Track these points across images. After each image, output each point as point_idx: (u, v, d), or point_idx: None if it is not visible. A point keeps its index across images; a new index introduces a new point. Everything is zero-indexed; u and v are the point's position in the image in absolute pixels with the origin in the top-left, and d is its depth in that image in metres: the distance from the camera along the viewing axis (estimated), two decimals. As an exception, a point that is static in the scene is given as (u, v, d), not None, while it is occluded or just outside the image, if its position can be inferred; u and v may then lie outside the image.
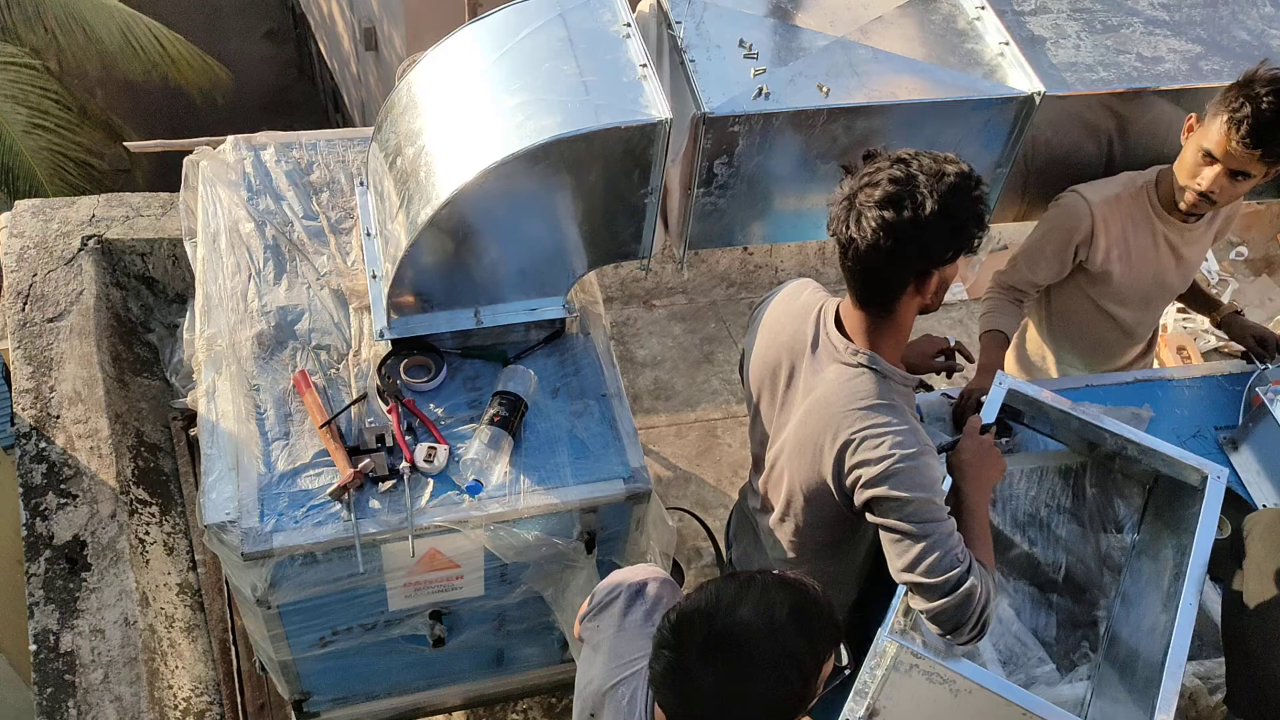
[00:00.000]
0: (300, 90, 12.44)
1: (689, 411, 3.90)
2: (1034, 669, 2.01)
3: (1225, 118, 2.17)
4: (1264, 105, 2.12)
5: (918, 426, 1.81)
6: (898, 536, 1.75)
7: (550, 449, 2.26)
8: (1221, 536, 2.26)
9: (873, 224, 1.67)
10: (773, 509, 2.09)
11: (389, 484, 2.12)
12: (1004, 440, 2.39)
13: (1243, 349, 2.70)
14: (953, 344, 2.32)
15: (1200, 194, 2.29)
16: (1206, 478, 2.07)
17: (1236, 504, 2.33)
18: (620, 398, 2.37)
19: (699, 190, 2.30)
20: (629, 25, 2.27)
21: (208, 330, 2.35)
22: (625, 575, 1.81)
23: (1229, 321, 2.72)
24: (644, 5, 2.43)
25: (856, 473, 1.78)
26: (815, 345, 1.90)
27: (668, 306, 4.26)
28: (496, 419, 2.20)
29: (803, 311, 1.96)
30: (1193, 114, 2.31)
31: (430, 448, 2.17)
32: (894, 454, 1.73)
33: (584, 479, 2.22)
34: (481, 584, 2.32)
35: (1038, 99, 2.29)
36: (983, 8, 2.44)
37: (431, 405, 2.28)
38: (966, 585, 1.70)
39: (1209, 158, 2.24)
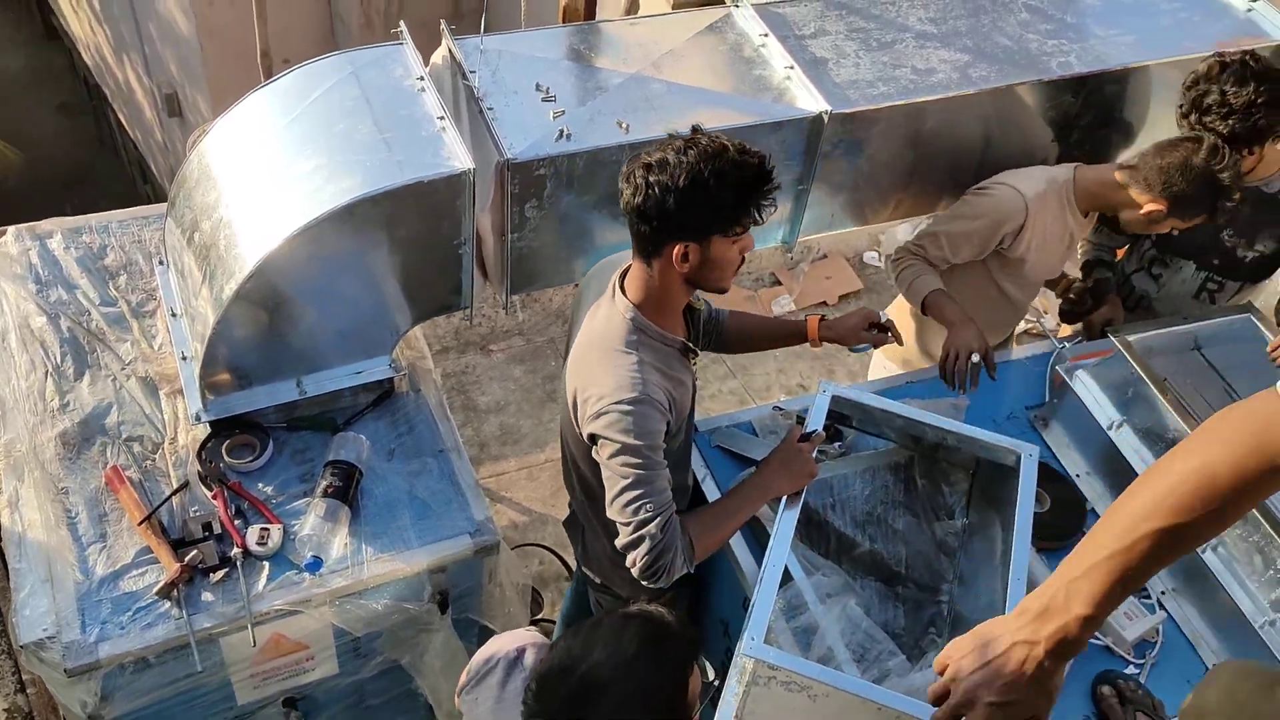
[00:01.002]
0: (103, 164, 11.84)
1: (538, 453, 3.88)
2: (886, 662, 2.08)
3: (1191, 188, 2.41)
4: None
5: (651, 380, 1.89)
6: (609, 474, 1.91)
7: (391, 513, 2.21)
8: (1041, 510, 2.41)
9: (638, 178, 1.81)
10: (570, 470, 2.17)
11: (221, 573, 2.03)
12: (836, 445, 2.48)
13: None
14: (884, 319, 2.41)
15: (1138, 227, 2.58)
16: (1020, 457, 2.20)
17: (1052, 477, 2.48)
18: (458, 451, 2.34)
19: (513, 235, 2.30)
20: (423, 79, 2.26)
21: (4, 436, 2.20)
22: (501, 644, 1.80)
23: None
24: (437, 58, 2.42)
25: (585, 406, 1.90)
26: (603, 292, 2.01)
27: (505, 350, 4.25)
28: (330, 490, 2.13)
29: (611, 267, 2.07)
30: (1159, 207, 2.48)
31: (263, 529, 2.09)
32: (610, 397, 1.86)
33: (429, 539, 2.18)
34: (335, 662, 2.24)
35: (825, 117, 2.41)
36: (766, 35, 2.55)
37: (260, 485, 2.20)
38: (647, 530, 1.88)
39: (1158, 218, 2.48)
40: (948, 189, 2.86)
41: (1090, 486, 2.51)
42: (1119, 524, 1.23)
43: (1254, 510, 2.13)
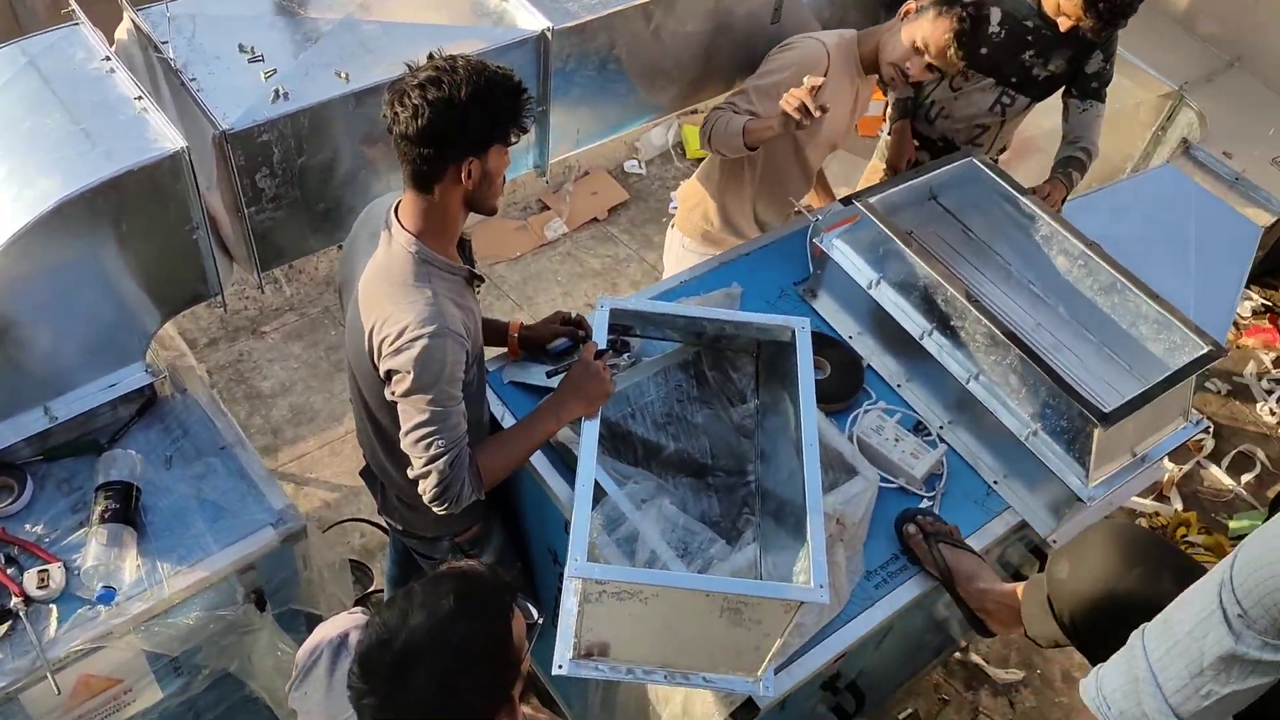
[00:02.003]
0: None
1: (337, 426, 3.76)
2: (708, 550, 2.16)
3: (951, 28, 2.58)
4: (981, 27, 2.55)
5: (448, 312, 1.89)
6: (404, 408, 1.91)
7: (182, 522, 2.09)
8: (824, 375, 2.55)
9: (414, 101, 1.75)
10: (360, 415, 2.14)
11: (3, 627, 1.87)
12: (625, 356, 2.52)
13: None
14: (574, 316, 2.49)
15: (905, 77, 2.69)
16: (794, 331, 2.30)
17: (829, 343, 2.62)
18: (242, 444, 2.23)
19: (250, 210, 2.18)
20: (109, 59, 2.07)
21: None
22: (324, 632, 1.75)
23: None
24: (121, 33, 2.22)
25: (382, 345, 1.87)
26: (377, 236, 1.96)
27: (279, 329, 4.05)
28: (108, 514, 1.99)
29: (380, 209, 2.02)
30: (911, 3, 2.66)
31: (41, 572, 1.93)
32: (410, 331, 1.84)
33: (229, 540, 2.08)
34: (156, 688, 2.13)
35: (549, 34, 2.38)
36: (473, -42, 2.48)
37: (28, 525, 2.03)
38: (436, 465, 1.91)
39: (916, 50, 2.63)
40: (690, 86, 2.90)
41: (863, 344, 2.66)
42: None
43: (1000, 333, 2.33)
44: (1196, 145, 3.76)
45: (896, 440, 2.43)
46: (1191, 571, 1.61)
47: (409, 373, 1.85)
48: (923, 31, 2.65)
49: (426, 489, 1.95)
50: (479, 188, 1.88)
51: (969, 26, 2.61)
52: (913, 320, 2.52)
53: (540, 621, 1.68)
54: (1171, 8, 4.41)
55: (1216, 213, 3.50)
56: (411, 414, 1.90)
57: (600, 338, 2.23)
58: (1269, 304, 4.85)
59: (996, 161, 3.38)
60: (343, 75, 2.16)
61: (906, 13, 2.71)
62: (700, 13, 2.72)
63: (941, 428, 2.52)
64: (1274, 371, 4.58)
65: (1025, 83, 3.09)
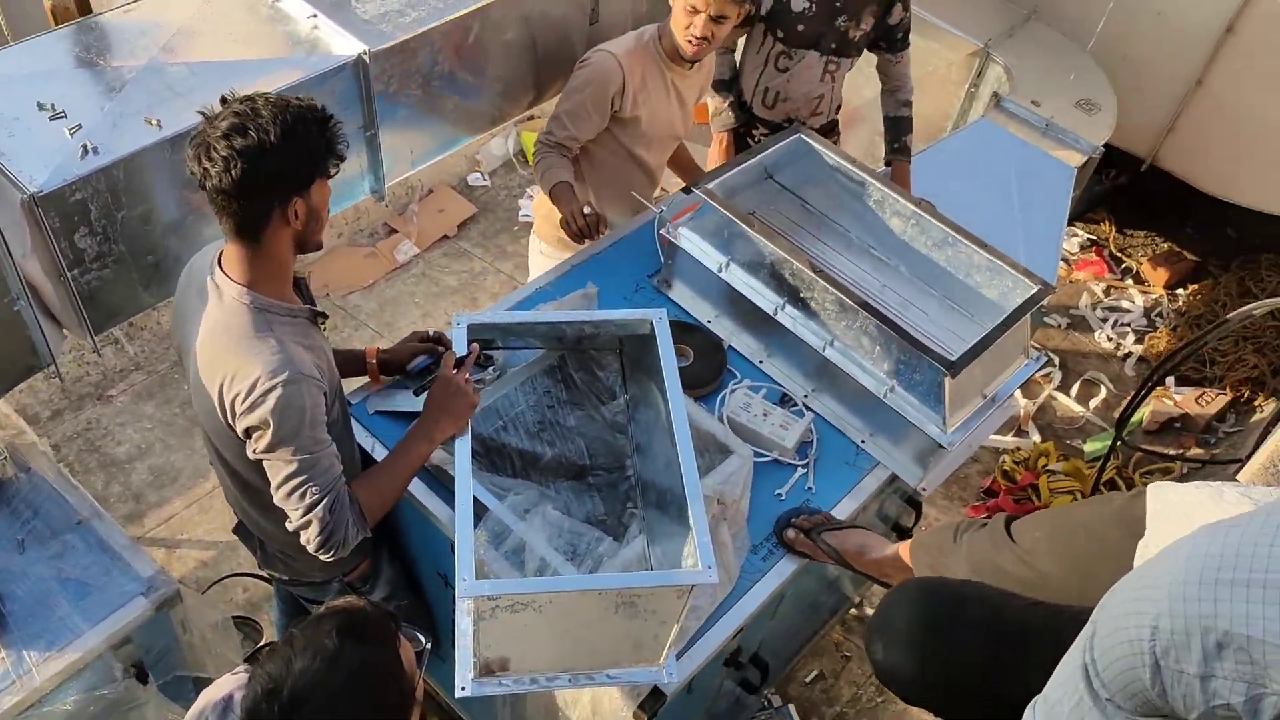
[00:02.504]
0: None
1: (203, 483, 3.62)
2: (596, 550, 2.18)
3: None
4: None
5: (297, 357, 1.84)
6: (271, 463, 1.86)
7: (44, 606, 1.99)
8: (687, 362, 2.59)
9: (222, 153, 1.68)
10: (224, 476, 2.09)
11: None
12: (489, 370, 2.51)
13: None
14: (432, 334, 2.46)
15: (694, 40, 2.70)
16: (652, 323, 2.34)
17: (689, 330, 2.67)
18: (99, 515, 2.13)
19: (73, 273, 2.08)
20: (-106, 131, 1.95)
21: None
22: (208, 696, 1.69)
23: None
24: (-96, 103, 2.10)
25: (235, 403, 1.82)
26: (205, 292, 1.89)
27: (127, 390, 3.87)
28: (-40, 611, 1.88)
29: (203, 264, 1.94)
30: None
31: (-108, 684, 1.81)
32: (261, 384, 1.79)
33: (99, 615, 1.99)
34: (41, 783, 2.02)
35: (367, 57, 2.35)
36: (277, -12, 2.43)
37: None
38: (314, 513, 1.87)
39: (693, 10, 2.66)
40: (520, 93, 2.91)
41: (721, 327, 2.72)
42: None
43: (847, 298, 2.42)
44: (1007, 97, 3.97)
45: (765, 415, 2.50)
46: (992, 609, 1.68)
47: (268, 426, 1.80)
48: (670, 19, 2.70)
49: (310, 539, 1.90)
50: (307, 226, 1.83)
51: None
52: (765, 297, 2.59)
53: (429, 647, 1.67)
54: (968, -31, 4.64)
55: (1032, 159, 3.71)
56: (280, 467, 1.85)
57: (460, 349, 2.22)
58: (1094, 238, 5.16)
59: (838, 122, 3.52)
60: (153, 122, 2.08)
61: None
62: (517, 20, 2.73)
63: (806, 396, 2.60)
64: (1106, 300, 4.89)
65: (844, 45, 3.22)
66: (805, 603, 2.85)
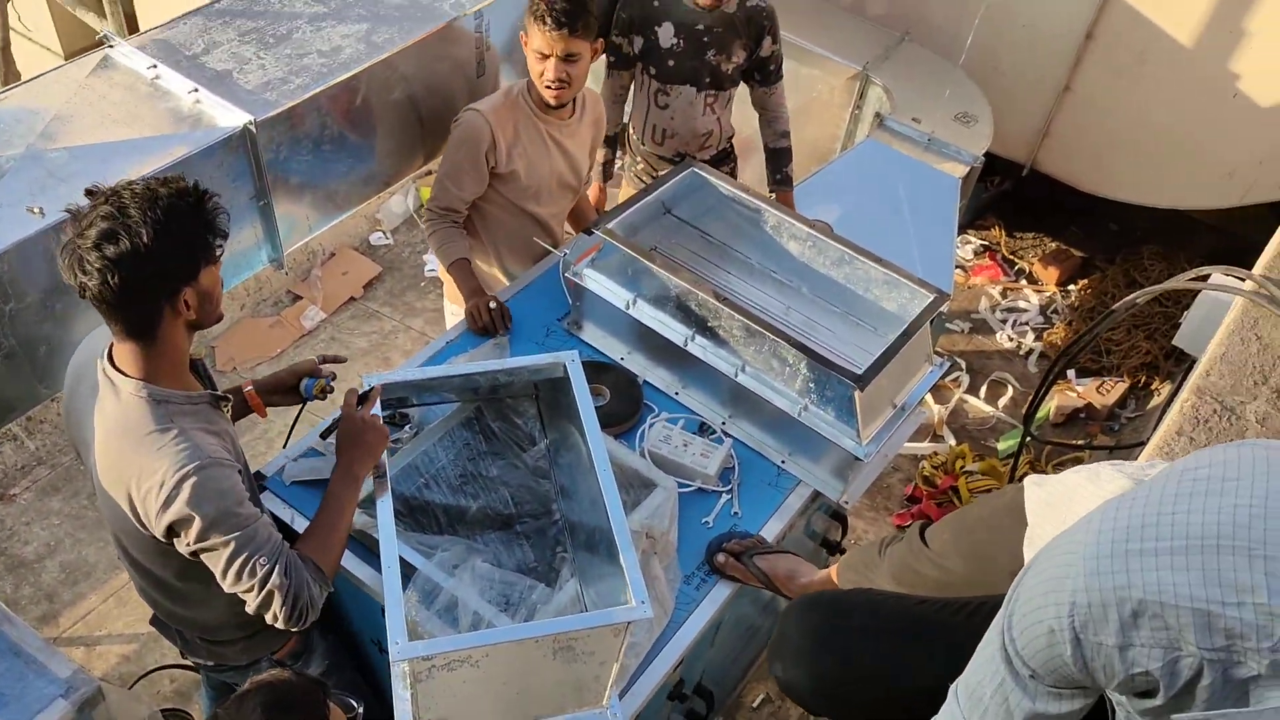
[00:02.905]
0: None
1: (119, 575, 3.49)
2: (530, 598, 2.17)
3: (534, 20, 2.63)
4: None
5: (203, 444, 1.79)
6: (209, 554, 1.81)
7: (-43, 723, 1.90)
8: (605, 401, 2.61)
9: (97, 265, 1.61)
10: (133, 573, 2.02)
11: None
12: (406, 428, 2.49)
13: None
14: (319, 360, 2.36)
15: (551, 85, 2.70)
16: (565, 365, 2.35)
17: (604, 369, 2.69)
18: (8, 620, 2.04)
19: (-34, 371, 2.02)
20: None
21: None
22: None
23: None
24: None
25: (146, 503, 1.76)
26: (98, 388, 1.82)
27: (30, 487, 3.73)
28: None
29: (89, 357, 1.87)
30: (521, 31, 2.72)
31: None
32: (171, 478, 1.73)
33: (16, 726, 1.90)
34: None
35: (253, 127, 2.33)
36: (155, 66, 2.40)
37: None
38: (271, 583, 1.81)
39: (542, 56, 2.67)
40: (414, 150, 2.92)
41: (635, 362, 2.75)
42: None
43: (754, 323, 2.47)
44: (889, 117, 4.11)
45: (685, 445, 2.52)
46: (878, 613, 1.76)
47: (193, 517, 1.74)
48: (531, 41, 2.73)
49: (276, 612, 1.84)
50: (201, 310, 1.78)
51: (555, 3, 2.62)
52: (674, 330, 2.63)
53: (360, 711, 1.65)
54: (841, -2, 4.82)
55: (918, 173, 3.84)
56: (219, 554, 1.79)
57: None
58: (986, 244, 5.35)
59: (732, 150, 3.61)
60: (36, 210, 2.04)
61: (524, 42, 2.77)
62: (402, 79, 2.74)
63: (724, 423, 2.63)
64: (1004, 302, 5.06)
65: (718, 79, 3.31)
66: (744, 627, 2.87)
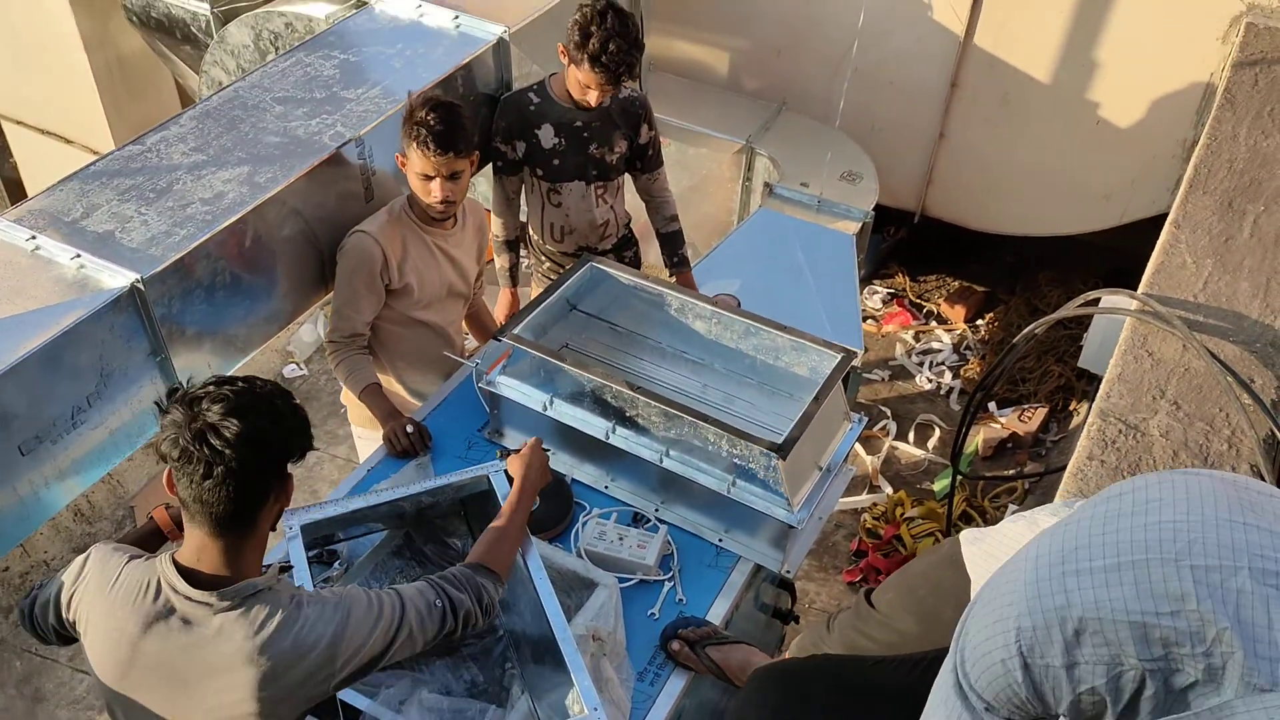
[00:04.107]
0: None
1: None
2: (484, 719, 2.12)
3: (415, 145, 2.68)
4: (431, 120, 2.64)
5: (301, 616, 1.70)
6: (381, 652, 1.77)
7: None
8: (536, 506, 2.58)
9: (233, 432, 1.57)
10: None
11: None
12: (335, 565, 2.44)
13: None
14: None
15: (440, 203, 2.77)
16: (489, 476, 2.33)
17: (528, 474, 2.67)
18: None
19: None
20: None
21: None
22: None
23: None
24: None
25: (289, 675, 1.67)
26: (169, 613, 1.66)
27: None
28: None
29: (136, 589, 1.69)
30: (399, 153, 2.78)
31: None
32: (317, 637, 1.69)
33: None
34: None
35: (141, 284, 2.31)
36: (34, 236, 2.37)
37: None
38: (462, 612, 1.88)
39: (426, 177, 2.73)
40: (313, 281, 2.92)
41: (561, 462, 2.73)
42: None
43: (670, 407, 2.48)
44: (778, 184, 4.24)
45: (621, 539, 2.51)
46: (836, 679, 1.79)
47: (347, 647, 1.71)
48: (413, 165, 2.76)
49: (473, 618, 1.90)
50: (289, 498, 1.75)
51: (434, 127, 2.66)
52: (594, 425, 2.63)
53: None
54: (718, 77, 4.98)
55: (814, 235, 3.95)
56: (395, 635, 1.78)
57: (298, 559, 2.15)
58: (893, 291, 5.49)
59: (632, 235, 3.66)
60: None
61: (402, 165, 2.82)
62: (291, 214, 2.74)
63: (657, 510, 2.63)
64: (918, 345, 5.18)
65: (605, 170, 3.39)
66: (707, 712, 2.82)
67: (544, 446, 2.34)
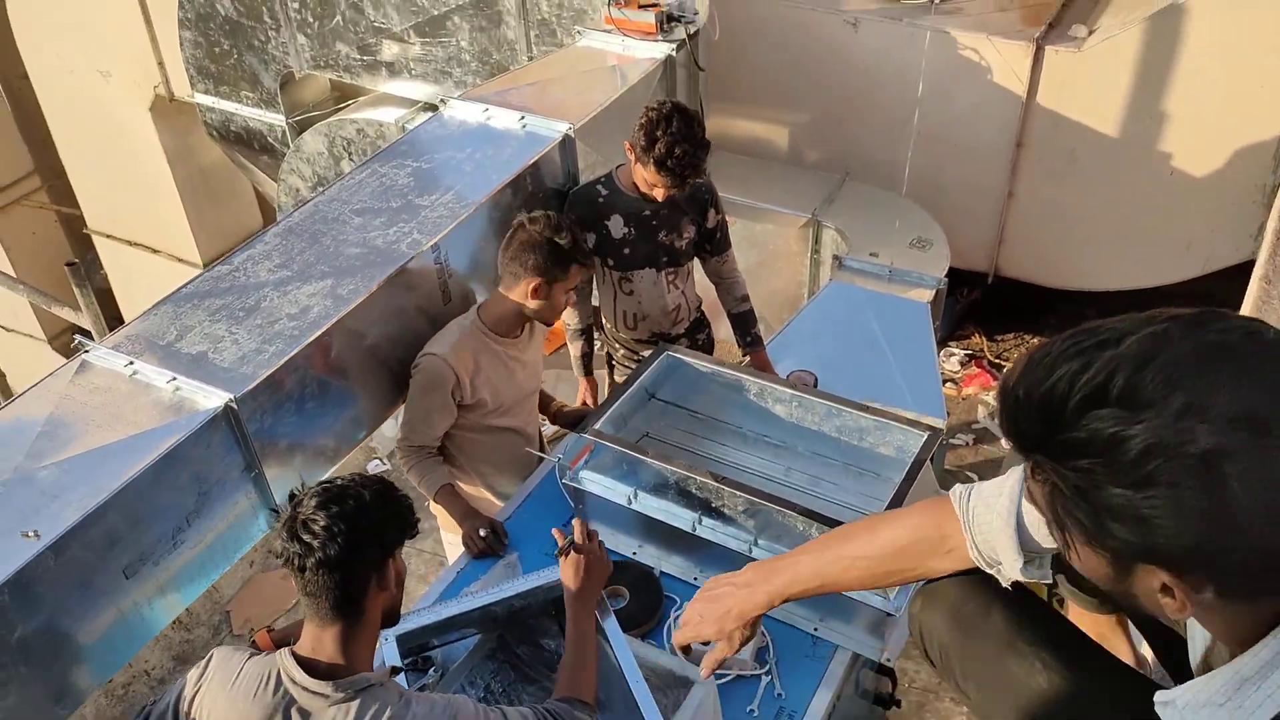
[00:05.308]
0: None
1: None
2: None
3: (571, 268, 2.84)
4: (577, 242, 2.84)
5: (406, 710, 1.78)
6: None
7: None
8: (625, 602, 2.57)
9: (323, 524, 1.69)
10: None
11: None
12: (430, 672, 2.44)
13: None
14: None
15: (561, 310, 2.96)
16: (568, 580, 2.32)
17: (618, 568, 2.61)
18: None
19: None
20: None
21: None
22: None
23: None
24: None
25: None
26: (289, 705, 1.75)
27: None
28: None
29: (257, 682, 1.78)
30: (535, 280, 2.82)
31: None
32: None
33: None
34: None
35: (234, 404, 2.38)
36: (132, 361, 2.47)
37: None
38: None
39: (565, 292, 2.90)
40: (396, 384, 2.98)
41: (648, 555, 2.72)
42: (827, 551, 1.69)
43: (755, 497, 2.46)
44: (847, 257, 4.23)
45: (714, 633, 2.47)
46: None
47: None
48: (565, 284, 2.88)
49: None
50: (398, 584, 1.86)
51: (554, 249, 2.81)
52: (680, 516, 2.61)
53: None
54: (779, 151, 5.02)
55: (888, 306, 3.92)
56: None
57: (394, 659, 2.17)
58: (970, 352, 5.40)
59: (704, 317, 3.68)
60: (31, 534, 2.05)
61: (533, 292, 2.88)
62: (374, 322, 2.81)
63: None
64: (1000, 407, 5.06)
65: (674, 256, 3.42)
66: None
67: (592, 535, 2.28)
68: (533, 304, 2.88)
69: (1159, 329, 0.94)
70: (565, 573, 2.21)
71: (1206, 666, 1.17)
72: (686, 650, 1.89)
